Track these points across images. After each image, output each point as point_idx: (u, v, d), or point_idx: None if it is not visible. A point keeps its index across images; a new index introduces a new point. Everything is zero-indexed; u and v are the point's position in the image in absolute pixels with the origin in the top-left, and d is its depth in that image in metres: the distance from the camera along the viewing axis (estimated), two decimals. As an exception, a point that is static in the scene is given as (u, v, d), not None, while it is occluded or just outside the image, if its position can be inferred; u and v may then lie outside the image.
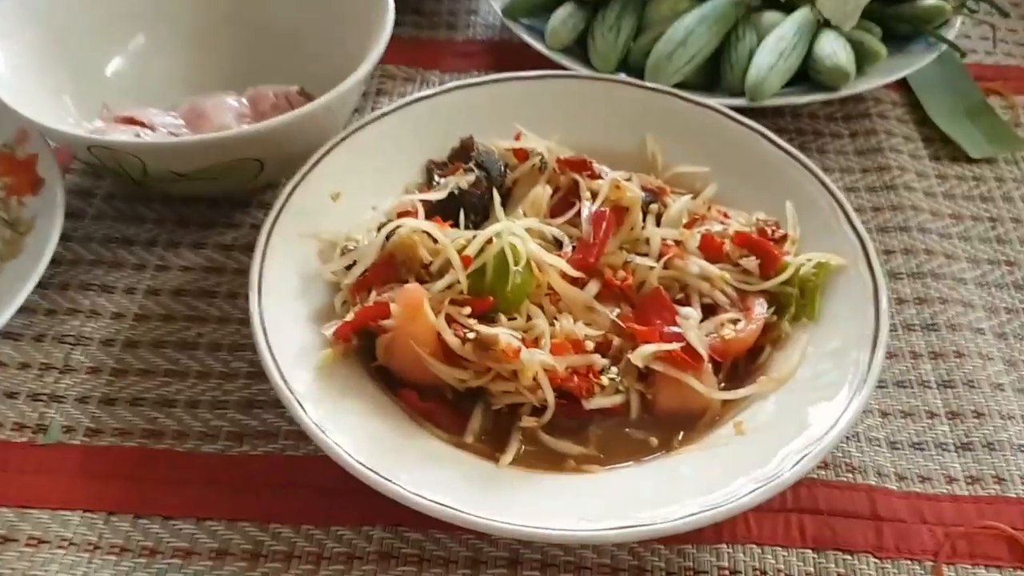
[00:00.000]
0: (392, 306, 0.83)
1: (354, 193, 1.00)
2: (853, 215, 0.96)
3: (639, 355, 0.85)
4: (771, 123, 1.10)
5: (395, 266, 0.88)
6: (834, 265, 0.93)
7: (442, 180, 1.00)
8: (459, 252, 0.86)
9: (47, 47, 1.10)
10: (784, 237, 0.97)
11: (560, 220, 0.97)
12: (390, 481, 0.75)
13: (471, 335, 0.82)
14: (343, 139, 1.02)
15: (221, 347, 0.98)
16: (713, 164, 1.05)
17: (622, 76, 1.12)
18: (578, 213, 0.96)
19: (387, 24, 1.09)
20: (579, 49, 1.23)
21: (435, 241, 0.88)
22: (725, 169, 1.04)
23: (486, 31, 1.39)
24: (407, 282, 0.86)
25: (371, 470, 0.75)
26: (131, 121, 1.09)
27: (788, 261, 0.93)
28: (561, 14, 1.21)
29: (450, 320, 0.84)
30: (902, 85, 1.34)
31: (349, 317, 0.85)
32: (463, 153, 1.04)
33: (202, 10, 1.21)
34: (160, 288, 1.03)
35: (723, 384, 0.89)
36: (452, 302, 0.85)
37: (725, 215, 1.01)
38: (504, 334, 0.82)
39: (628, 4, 1.19)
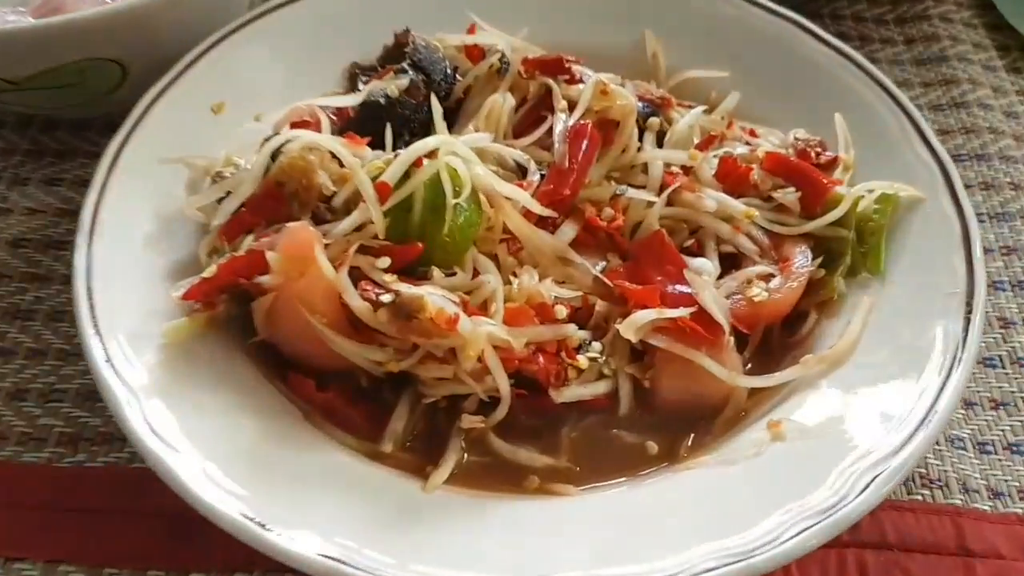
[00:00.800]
0: (270, 255, 0.56)
1: (245, 104, 0.74)
2: (928, 131, 0.71)
3: (631, 325, 0.60)
4: (806, 23, 0.84)
5: (284, 199, 0.62)
6: (905, 197, 0.67)
7: (369, 87, 0.74)
8: (375, 179, 0.60)
9: None
10: (833, 161, 0.72)
11: (526, 140, 0.71)
12: (260, 525, 0.49)
13: (387, 297, 0.56)
14: (232, 31, 0.75)
15: (64, 316, 0.72)
16: (734, 67, 0.79)
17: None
18: (550, 130, 0.70)
19: None
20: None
21: (341, 164, 0.61)
22: (750, 74, 0.79)
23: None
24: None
25: (230, 509, 0.50)
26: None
27: (840, 193, 0.67)
28: None
29: (359, 276, 0.58)
30: (968, -20, 1.07)
31: (209, 272, 0.58)
32: (397, 52, 0.77)
33: None
34: (-6, 237, 0.78)
35: (751, 365, 0.64)
36: (362, 250, 0.59)
37: (751, 133, 0.75)
38: (435, 296, 0.56)
39: None
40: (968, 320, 0.59)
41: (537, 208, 0.64)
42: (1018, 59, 0.99)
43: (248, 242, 0.60)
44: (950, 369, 0.57)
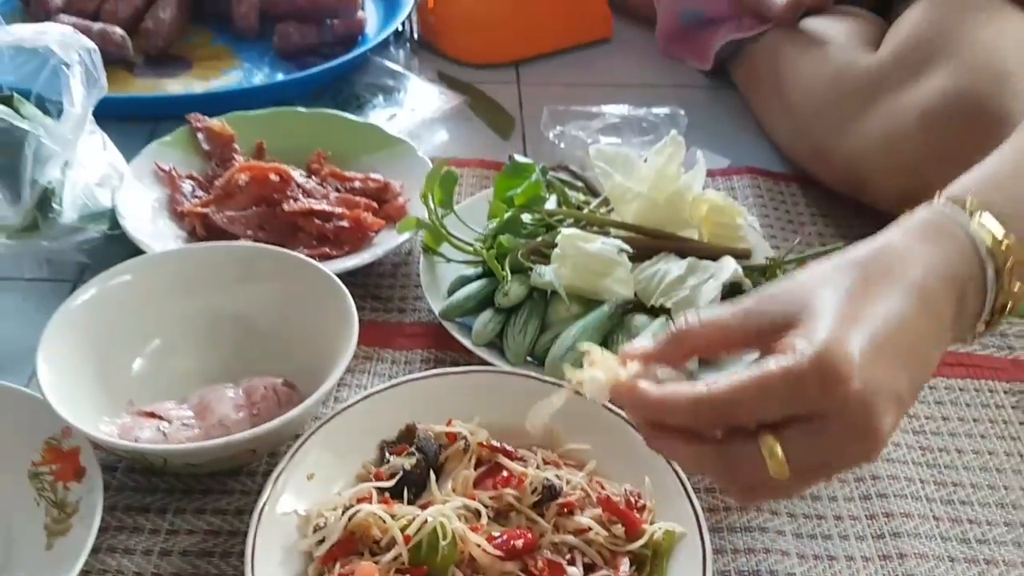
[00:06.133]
0: (350, 581, 1.13)
1: (325, 473, 1.31)
2: (691, 492, 1.29)
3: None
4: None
5: (355, 541, 1.19)
6: (677, 533, 1.26)
7: (392, 459, 1.34)
8: (402, 531, 1.18)
9: (86, 354, 1.40)
10: (643, 507, 1.31)
11: (482, 493, 1.29)
12: None
13: (406, 609, 1.12)
14: (318, 428, 1.33)
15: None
16: (593, 443, 1.37)
17: (528, 372, 1.45)
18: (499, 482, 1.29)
19: (353, 332, 1.42)
20: (501, 342, 1.60)
21: (385, 521, 1.20)
22: (603, 447, 1.38)
23: (429, 315, 1.74)
24: (363, 555, 1.18)
25: None
26: (151, 415, 1.39)
27: (645, 528, 1.27)
28: (483, 317, 1.56)
29: (393, 590, 1.14)
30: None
31: (315, 604, 1.14)
32: (408, 436, 1.37)
33: (205, 316, 1.55)
34: (171, 549, 1.29)
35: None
36: (397, 571, 1.16)
37: (602, 486, 1.35)
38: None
39: (533, 310, 1.56)
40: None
41: (489, 549, 1.19)
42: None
43: (336, 569, 1.17)
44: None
